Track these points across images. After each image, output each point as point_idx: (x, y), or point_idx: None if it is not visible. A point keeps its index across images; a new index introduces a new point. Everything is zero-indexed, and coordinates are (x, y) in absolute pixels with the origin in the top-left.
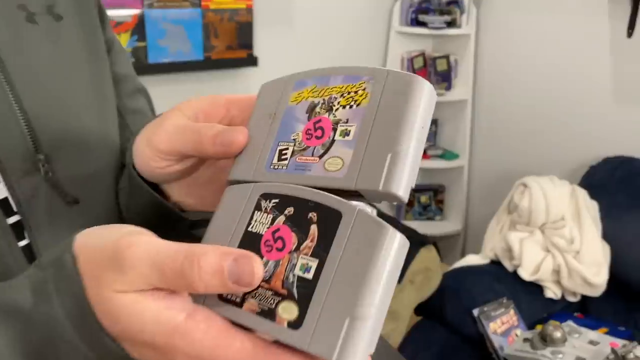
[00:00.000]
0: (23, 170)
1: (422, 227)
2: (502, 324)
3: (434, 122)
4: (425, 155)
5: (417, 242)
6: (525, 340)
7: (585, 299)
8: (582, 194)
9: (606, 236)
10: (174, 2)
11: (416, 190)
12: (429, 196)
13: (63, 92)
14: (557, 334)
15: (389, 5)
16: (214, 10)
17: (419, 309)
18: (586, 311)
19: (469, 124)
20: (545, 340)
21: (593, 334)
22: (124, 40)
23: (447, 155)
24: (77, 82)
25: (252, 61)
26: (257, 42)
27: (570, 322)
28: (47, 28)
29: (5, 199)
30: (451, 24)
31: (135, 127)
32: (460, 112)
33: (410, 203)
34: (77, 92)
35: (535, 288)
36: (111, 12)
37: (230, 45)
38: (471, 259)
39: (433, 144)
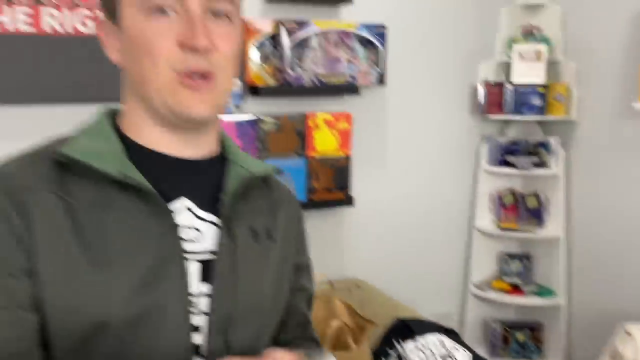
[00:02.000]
0: None
1: None
2: None
3: (527, 257)
4: (519, 292)
5: None
6: None
7: None
8: None
9: None
10: (284, 153)
11: (512, 327)
12: (526, 334)
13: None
14: None
15: (476, 146)
16: (317, 158)
17: None
18: None
19: (564, 262)
20: None
21: None
22: None
23: (543, 292)
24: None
25: (348, 201)
26: (354, 183)
27: None
28: (264, 247)
29: None
30: (539, 164)
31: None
32: (553, 249)
33: (506, 340)
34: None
35: None
36: None
37: (329, 188)
38: None
39: (527, 280)
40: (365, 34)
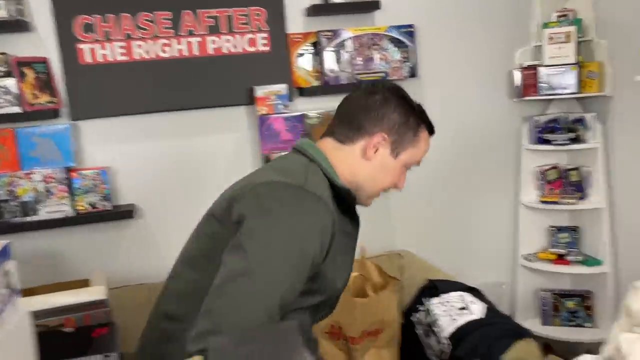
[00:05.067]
0: None
1: (572, 333)
2: None
3: (574, 229)
4: (565, 261)
5: (514, 332)
6: None
7: None
8: None
9: None
10: None
11: (562, 295)
12: (577, 302)
13: None
14: None
15: (517, 126)
16: None
17: None
18: None
19: (608, 231)
20: None
21: None
22: None
23: (590, 261)
24: None
25: None
26: None
27: None
28: None
29: None
30: (577, 139)
31: None
32: (597, 219)
33: (556, 308)
34: None
35: None
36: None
37: None
38: (587, 358)
39: (576, 250)
40: (395, 34)
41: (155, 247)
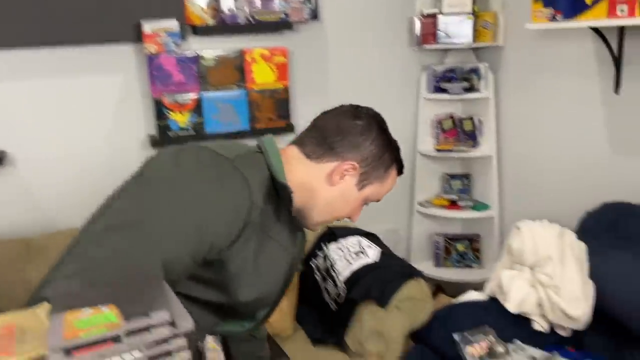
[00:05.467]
0: None
1: (461, 274)
2: (481, 350)
3: (467, 177)
4: (457, 206)
5: (405, 273)
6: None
7: (578, 334)
8: (570, 235)
9: (593, 275)
10: (224, 86)
11: (452, 239)
12: (465, 245)
13: None
14: (500, 349)
15: (417, 75)
16: (256, 90)
17: (413, 336)
18: (581, 346)
19: (497, 178)
20: (493, 355)
21: (536, 351)
22: (186, 117)
23: (479, 206)
24: None
25: (290, 128)
26: (296, 112)
27: (518, 342)
28: None
29: None
30: (471, 89)
31: None
32: (487, 167)
33: (448, 251)
34: None
35: (526, 323)
36: (175, 96)
37: (271, 117)
38: (472, 295)
39: (467, 197)
40: None
41: (30, 198)
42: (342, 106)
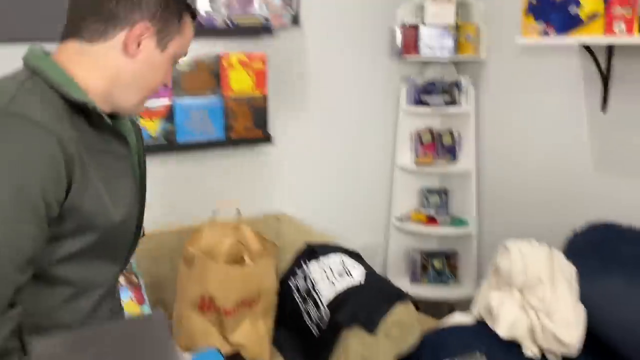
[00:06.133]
0: None
1: (437, 291)
2: None
3: (444, 192)
4: (435, 222)
5: (393, 296)
6: None
7: None
8: (559, 257)
9: (583, 299)
10: (199, 92)
11: (429, 255)
12: (442, 261)
13: None
14: None
15: (397, 86)
16: (233, 98)
17: None
18: None
19: (475, 194)
20: None
21: None
22: (157, 125)
23: (456, 222)
24: None
25: (267, 139)
26: (273, 122)
27: None
28: None
29: None
30: (451, 103)
31: None
32: (466, 182)
33: (424, 268)
34: None
35: (516, 348)
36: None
37: (247, 126)
38: (458, 318)
39: (444, 212)
40: None
41: None
42: None
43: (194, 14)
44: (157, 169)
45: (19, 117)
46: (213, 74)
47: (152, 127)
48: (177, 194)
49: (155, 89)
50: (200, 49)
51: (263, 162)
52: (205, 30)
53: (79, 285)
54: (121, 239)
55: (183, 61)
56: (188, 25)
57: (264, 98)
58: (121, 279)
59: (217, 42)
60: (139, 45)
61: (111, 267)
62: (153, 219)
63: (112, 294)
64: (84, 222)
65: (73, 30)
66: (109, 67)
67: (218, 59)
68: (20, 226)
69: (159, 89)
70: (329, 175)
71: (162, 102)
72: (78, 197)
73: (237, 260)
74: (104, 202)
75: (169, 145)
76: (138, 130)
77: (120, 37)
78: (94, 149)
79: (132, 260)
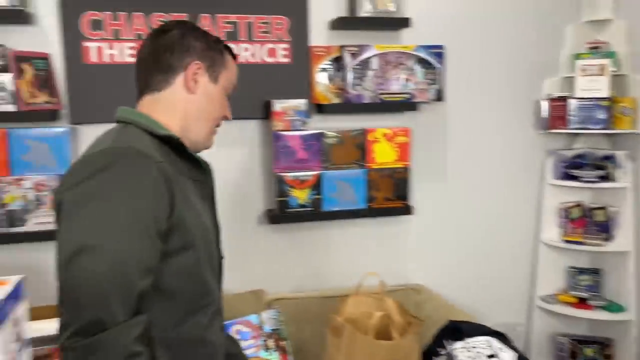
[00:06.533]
0: None
1: None
2: None
3: (596, 272)
4: (587, 306)
5: None
6: None
7: None
8: None
9: None
10: (345, 164)
11: (580, 342)
12: (596, 350)
13: None
14: None
15: (541, 160)
16: (375, 169)
17: None
18: None
19: (634, 276)
20: None
21: None
22: (305, 194)
23: (612, 307)
24: None
25: (407, 210)
26: (414, 194)
27: None
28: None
29: None
30: (605, 177)
31: None
32: (623, 263)
33: (573, 355)
34: None
35: None
36: (297, 173)
37: (389, 197)
38: None
39: (597, 294)
40: (423, 54)
41: None
42: (149, 34)
43: (231, 51)
44: (303, 235)
45: (124, 149)
46: (359, 147)
47: (301, 196)
48: (319, 260)
49: (217, 120)
50: (347, 123)
51: (403, 232)
52: (353, 105)
53: (196, 299)
54: (215, 258)
55: (331, 134)
56: (230, 60)
57: (406, 169)
58: (270, 342)
59: (364, 117)
60: (195, 82)
61: (217, 285)
62: (297, 283)
63: (221, 312)
64: (189, 236)
65: (144, 86)
66: (179, 106)
67: (364, 133)
68: (137, 239)
69: (220, 121)
70: (468, 249)
71: (312, 173)
72: (181, 211)
73: (383, 333)
74: (201, 217)
75: (315, 212)
76: (207, 166)
77: (180, 79)
78: (182, 173)
79: (282, 324)
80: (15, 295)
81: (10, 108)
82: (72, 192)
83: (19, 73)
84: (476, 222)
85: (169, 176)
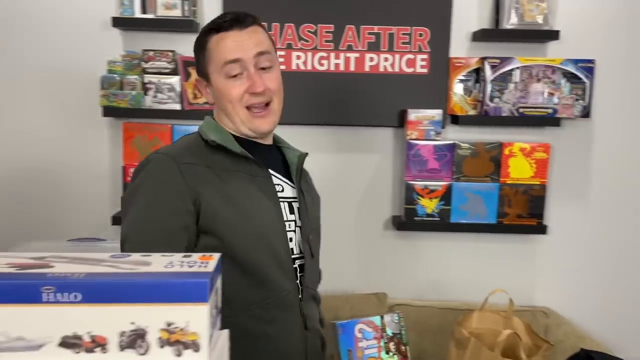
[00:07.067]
0: None
1: None
2: None
3: None
4: None
5: None
6: None
7: None
8: None
9: None
10: (477, 177)
11: None
12: None
13: None
14: None
15: None
16: (510, 184)
17: None
18: None
19: None
20: None
21: None
22: (434, 203)
23: None
24: None
25: (541, 229)
26: (549, 212)
27: None
28: (309, 197)
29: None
30: None
31: None
32: None
33: None
34: None
35: None
36: (427, 183)
37: (521, 214)
38: None
39: None
40: (570, 68)
41: None
42: None
43: (213, 29)
44: (428, 244)
45: (152, 156)
46: (493, 160)
47: (429, 205)
48: (442, 270)
49: (238, 101)
50: (483, 136)
51: (533, 252)
52: (490, 118)
53: (252, 292)
54: (281, 254)
55: (463, 145)
56: (214, 43)
57: (543, 187)
58: (391, 345)
59: (500, 130)
60: (206, 93)
61: (287, 281)
62: (417, 290)
63: (295, 308)
64: (217, 226)
65: None
66: (221, 113)
67: (500, 147)
68: (151, 232)
69: (244, 95)
70: (605, 276)
71: (442, 183)
72: (209, 203)
73: (510, 352)
74: (247, 212)
75: (442, 223)
76: (300, 164)
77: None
78: (228, 170)
79: (403, 329)
80: (218, 268)
81: (176, 107)
82: (125, 193)
83: (186, 76)
84: (617, 247)
85: (197, 174)
